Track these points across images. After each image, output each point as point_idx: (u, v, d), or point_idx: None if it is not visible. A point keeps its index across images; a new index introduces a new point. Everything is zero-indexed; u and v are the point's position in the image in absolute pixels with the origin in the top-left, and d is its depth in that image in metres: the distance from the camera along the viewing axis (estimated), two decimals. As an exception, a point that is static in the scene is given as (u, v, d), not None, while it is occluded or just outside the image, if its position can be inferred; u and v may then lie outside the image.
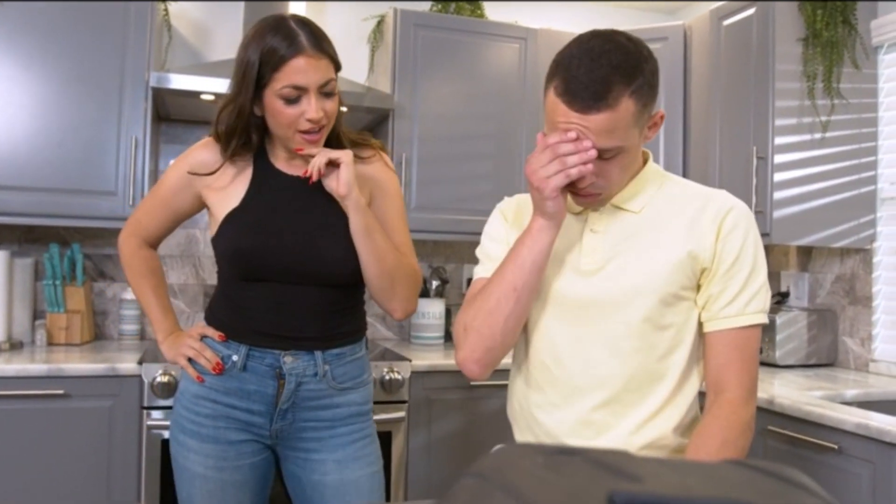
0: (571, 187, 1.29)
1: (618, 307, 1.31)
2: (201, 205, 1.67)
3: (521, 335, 1.46)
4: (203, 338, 1.62)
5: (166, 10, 2.97)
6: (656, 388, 1.32)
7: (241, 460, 1.59)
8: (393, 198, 1.68)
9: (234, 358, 1.58)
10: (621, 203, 1.36)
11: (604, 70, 1.20)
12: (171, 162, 1.74)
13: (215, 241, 1.60)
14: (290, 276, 1.56)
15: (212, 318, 1.64)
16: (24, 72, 2.55)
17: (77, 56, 2.59)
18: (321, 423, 1.60)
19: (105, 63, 2.62)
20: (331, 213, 1.58)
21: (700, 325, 1.34)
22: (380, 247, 1.57)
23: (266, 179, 1.60)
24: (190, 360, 1.61)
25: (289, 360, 1.57)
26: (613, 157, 1.25)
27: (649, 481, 0.35)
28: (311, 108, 1.48)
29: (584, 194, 1.30)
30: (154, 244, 1.76)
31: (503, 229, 1.46)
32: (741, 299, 1.29)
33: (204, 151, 1.62)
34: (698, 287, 1.32)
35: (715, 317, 1.31)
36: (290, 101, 1.48)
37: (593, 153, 1.21)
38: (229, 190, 1.60)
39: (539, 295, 1.39)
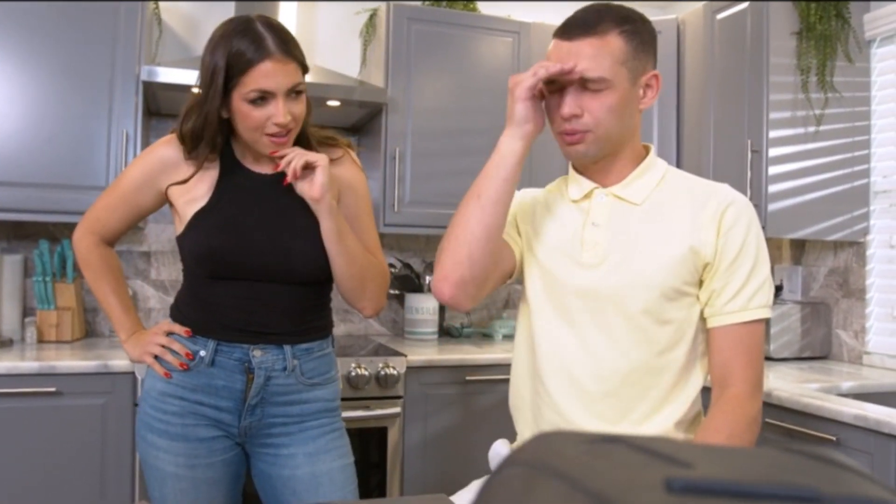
0: (557, 126, 1.31)
1: (619, 301, 1.31)
2: (163, 201, 1.63)
3: (523, 327, 1.45)
4: (169, 334, 1.59)
5: (156, 4, 2.93)
6: (656, 383, 1.31)
7: (212, 457, 1.57)
8: (362, 197, 1.66)
9: (202, 353, 1.55)
10: (622, 193, 1.35)
11: (599, 11, 1.29)
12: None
13: (182, 239, 1.57)
14: (260, 275, 1.54)
15: (178, 315, 1.61)
16: (13, 66, 2.51)
17: (67, 50, 2.56)
18: (290, 418, 1.58)
19: (95, 57, 2.58)
20: (300, 212, 1.55)
21: (702, 320, 1.34)
22: (350, 249, 1.55)
23: (233, 178, 1.58)
24: (157, 357, 1.58)
25: (258, 354, 1.55)
26: (599, 91, 1.26)
27: (701, 467, 0.34)
28: (279, 112, 1.45)
29: (570, 132, 1.29)
30: (111, 241, 1.71)
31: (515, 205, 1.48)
32: (744, 294, 1.29)
33: (168, 148, 1.59)
34: (700, 282, 1.32)
35: (719, 312, 1.30)
36: (258, 104, 1.45)
37: (571, 65, 1.25)
38: (195, 188, 1.57)
39: (541, 287, 1.39)
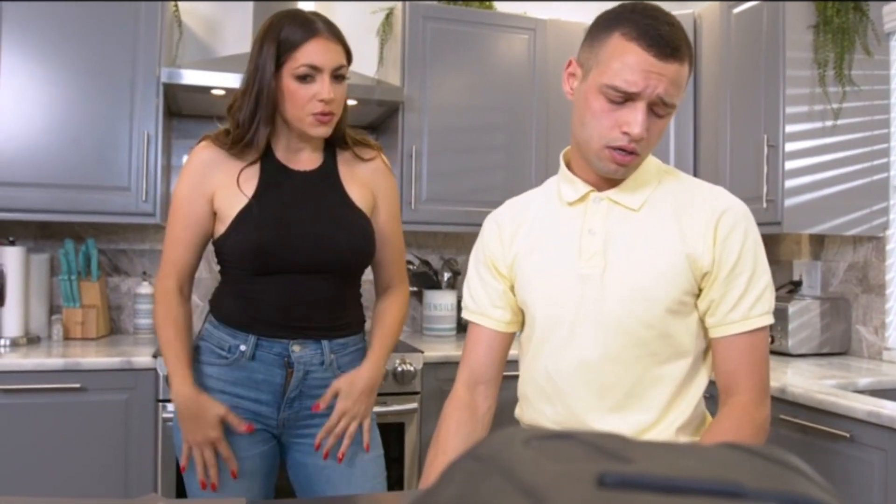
0: (608, 139, 1.23)
1: (619, 314, 1.28)
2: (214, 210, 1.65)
3: (526, 343, 1.43)
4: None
5: (176, 6, 2.98)
6: (659, 393, 1.29)
7: (251, 450, 1.61)
8: (391, 202, 1.75)
9: (243, 348, 1.59)
10: (619, 198, 1.31)
11: (678, 28, 1.21)
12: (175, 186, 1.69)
13: (224, 238, 1.59)
14: (304, 268, 1.59)
15: (218, 312, 1.66)
16: (38, 69, 2.57)
17: (89, 53, 2.61)
18: (325, 410, 1.62)
19: (117, 59, 2.64)
20: (337, 203, 1.64)
21: (702, 327, 1.31)
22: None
23: (275, 176, 1.63)
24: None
25: (297, 349, 1.60)
26: (663, 117, 1.23)
27: (641, 462, 0.36)
28: (325, 88, 1.54)
29: (630, 150, 1.23)
30: (188, 276, 1.67)
31: (496, 246, 1.45)
32: (745, 303, 1.26)
33: (205, 151, 1.63)
34: (699, 290, 1.29)
35: (720, 323, 1.27)
36: (305, 81, 1.55)
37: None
38: (236, 188, 1.60)
39: (540, 300, 1.36)
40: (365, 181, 1.69)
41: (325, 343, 1.62)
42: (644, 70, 1.18)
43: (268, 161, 1.63)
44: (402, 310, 1.76)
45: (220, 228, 1.61)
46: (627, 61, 1.19)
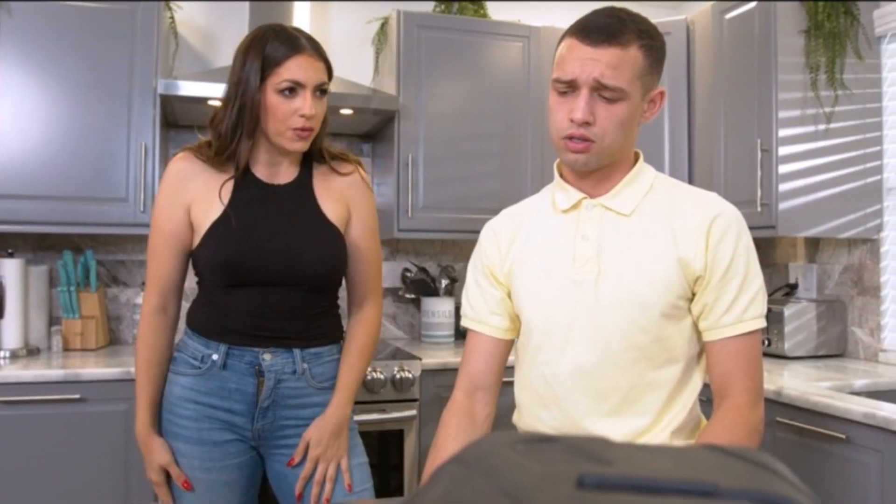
0: (561, 130, 1.29)
1: (614, 319, 1.29)
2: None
3: (522, 350, 1.45)
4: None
5: (172, 17, 3.00)
6: (654, 397, 1.31)
7: (227, 460, 1.62)
8: (366, 217, 1.73)
9: (214, 357, 1.61)
10: (610, 204, 1.33)
11: (621, 19, 1.27)
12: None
13: (198, 251, 1.62)
14: (273, 280, 1.60)
15: (191, 321, 1.68)
16: (35, 81, 2.59)
17: (86, 65, 2.63)
18: (302, 421, 1.63)
19: (114, 71, 2.65)
20: (309, 218, 1.64)
21: (696, 331, 1.33)
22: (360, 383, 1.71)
23: (248, 189, 1.64)
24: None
25: (268, 358, 1.61)
26: (613, 101, 1.25)
27: (621, 464, 0.37)
28: (307, 104, 1.56)
29: (579, 137, 1.27)
30: (172, 291, 1.68)
31: (493, 254, 1.46)
32: (738, 307, 1.28)
33: (181, 163, 1.66)
34: (692, 295, 1.30)
35: (713, 326, 1.29)
36: (287, 96, 1.56)
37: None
38: (212, 200, 1.62)
39: (536, 306, 1.38)
40: (340, 195, 1.69)
41: (296, 352, 1.63)
42: (579, 58, 1.25)
43: (243, 174, 1.65)
44: (371, 334, 1.74)
45: (196, 240, 1.63)
46: (566, 54, 1.28)
